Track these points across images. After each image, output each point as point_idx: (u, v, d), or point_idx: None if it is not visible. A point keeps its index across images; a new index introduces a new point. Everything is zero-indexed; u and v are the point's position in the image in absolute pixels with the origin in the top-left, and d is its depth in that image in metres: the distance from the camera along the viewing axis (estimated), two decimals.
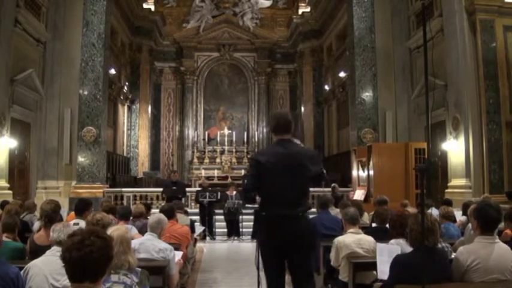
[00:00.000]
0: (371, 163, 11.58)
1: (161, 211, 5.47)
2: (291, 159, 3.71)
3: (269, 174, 3.67)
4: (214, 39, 23.99)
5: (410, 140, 13.58)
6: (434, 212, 7.10)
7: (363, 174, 12.33)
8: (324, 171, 3.89)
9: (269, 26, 24.91)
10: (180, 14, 24.58)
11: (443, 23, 12.66)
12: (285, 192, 3.68)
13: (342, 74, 18.19)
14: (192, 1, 24.23)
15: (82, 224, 4.61)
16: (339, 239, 4.54)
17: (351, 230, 4.61)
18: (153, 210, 13.01)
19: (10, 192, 11.75)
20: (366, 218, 7.57)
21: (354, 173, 13.15)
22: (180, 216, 6.27)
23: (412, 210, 6.03)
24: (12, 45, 12.01)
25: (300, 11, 22.70)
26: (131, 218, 5.98)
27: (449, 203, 7.87)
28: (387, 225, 5.31)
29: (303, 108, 22.66)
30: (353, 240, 4.48)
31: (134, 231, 5.22)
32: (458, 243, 4.79)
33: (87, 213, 5.18)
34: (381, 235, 5.02)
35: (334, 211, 6.92)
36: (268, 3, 24.61)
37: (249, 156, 22.85)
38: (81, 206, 5.30)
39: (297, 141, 4.00)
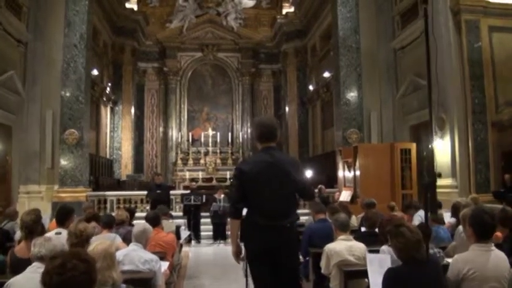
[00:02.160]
0: (357, 164, 11.53)
1: (146, 219, 5.32)
2: (276, 168, 3.58)
3: (254, 184, 3.55)
4: (197, 39, 23.79)
5: (395, 141, 13.58)
6: (422, 214, 7.07)
7: (349, 175, 12.28)
8: (307, 184, 3.84)
9: (253, 26, 24.79)
10: (163, 13, 24.33)
11: (427, 23, 12.64)
12: (272, 202, 3.56)
13: (326, 74, 18.15)
14: (175, 1, 23.97)
15: (64, 233, 4.44)
16: (329, 247, 4.43)
17: (342, 237, 4.50)
18: (137, 214, 12.89)
19: None
20: (354, 220, 7.49)
21: (340, 173, 13.10)
22: (165, 222, 6.13)
23: (399, 214, 5.95)
24: None
25: (284, 11, 22.65)
26: (115, 225, 5.82)
27: (438, 205, 7.82)
28: (376, 230, 5.23)
29: (287, 109, 22.59)
30: (344, 247, 4.38)
31: (118, 239, 5.07)
32: (451, 248, 4.73)
33: (69, 221, 5.01)
34: (371, 240, 4.94)
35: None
36: (251, 3, 24.47)
37: (233, 157, 22.78)
38: (62, 215, 5.12)
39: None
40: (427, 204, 3.22)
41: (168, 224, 6.26)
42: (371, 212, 5.30)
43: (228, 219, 3.87)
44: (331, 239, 4.74)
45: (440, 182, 12.06)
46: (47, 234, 4.97)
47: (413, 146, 11.66)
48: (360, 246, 4.42)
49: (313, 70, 21.32)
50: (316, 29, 20.15)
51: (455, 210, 6.89)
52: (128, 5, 21.10)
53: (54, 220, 6.26)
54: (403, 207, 8.35)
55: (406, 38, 13.99)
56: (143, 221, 5.46)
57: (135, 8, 21.81)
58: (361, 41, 14.43)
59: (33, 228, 3.84)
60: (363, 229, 5.81)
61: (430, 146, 4.43)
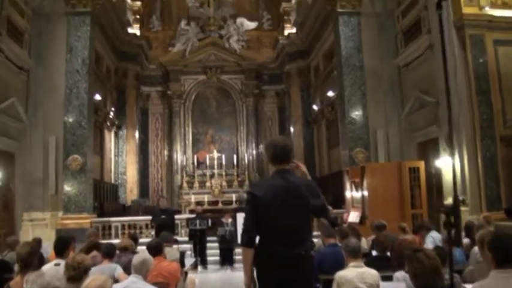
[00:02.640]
0: (364, 184, 11.31)
1: (148, 248, 5.13)
2: (291, 193, 3.35)
3: (267, 209, 3.32)
4: (200, 62, 23.77)
5: (403, 159, 13.38)
6: (435, 235, 6.84)
7: (357, 195, 12.05)
8: (327, 205, 3.59)
9: (255, 48, 24.78)
10: (166, 37, 24.40)
11: (431, 39, 12.56)
12: (287, 229, 3.33)
13: (330, 94, 18.01)
14: (177, 25, 24.11)
15: (63, 264, 4.26)
16: (340, 274, 4.20)
17: (353, 264, 4.26)
18: (142, 240, 12.67)
19: None
20: (364, 243, 7.25)
21: (347, 194, 12.87)
22: (168, 250, 5.93)
23: (410, 236, 5.72)
24: None
25: (286, 32, 22.61)
26: (117, 252, 5.64)
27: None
28: (388, 253, 5.02)
29: (292, 129, 22.42)
30: (355, 274, 4.15)
31: (119, 270, 4.88)
32: (468, 272, 4.49)
33: (68, 251, 4.84)
34: (383, 265, 4.73)
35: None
36: (253, 25, 24.52)
37: (239, 179, 22.56)
38: (60, 245, 4.94)
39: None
40: (450, 235, 3.00)
41: (172, 252, 6.06)
42: (382, 235, 5.08)
43: (242, 248, 3.55)
44: (341, 265, 4.52)
45: (450, 200, 11.84)
46: (46, 266, 4.81)
47: (421, 164, 11.45)
48: (372, 273, 4.19)
49: (317, 90, 21.21)
50: (318, 48, 20.08)
51: (468, 230, 6.66)
52: (130, 30, 21.12)
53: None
54: (413, 227, 8.12)
55: (410, 55, 13.88)
56: (145, 249, 5.29)
57: (138, 32, 21.85)
58: (364, 59, 14.38)
59: (29, 261, 3.66)
60: (374, 253, 5.59)
61: (451, 166, 4.15)
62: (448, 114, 3.32)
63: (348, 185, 12.81)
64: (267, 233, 3.36)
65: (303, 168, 3.62)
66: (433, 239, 6.58)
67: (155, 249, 5.06)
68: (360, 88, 14.18)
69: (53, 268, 4.62)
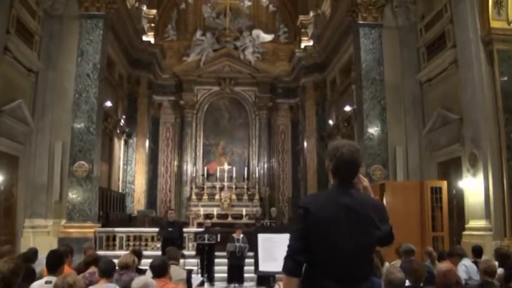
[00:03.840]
0: (384, 202, 10.70)
1: (151, 268, 4.58)
2: (355, 214, 2.58)
3: (323, 231, 2.56)
4: (214, 73, 23.45)
5: (422, 178, 12.77)
6: (467, 263, 6.22)
7: None
8: (391, 232, 2.74)
9: (270, 61, 24.43)
10: (181, 47, 24.12)
11: (457, 54, 12.00)
12: (346, 259, 2.56)
13: (347, 108, 17.46)
14: (192, 35, 23.83)
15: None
16: None
17: None
18: (148, 252, 12.13)
19: None
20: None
21: None
22: (174, 268, 5.37)
23: (447, 264, 5.11)
24: (1, 73, 11.29)
25: (302, 45, 22.18)
26: (118, 269, 5.10)
27: (479, 251, 6.97)
28: (422, 284, 4.42)
29: (305, 144, 21.87)
30: None
31: None
32: None
33: (61, 268, 4.31)
34: None
35: None
36: (269, 38, 24.22)
37: (249, 192, 22.00)
38: (53, 261, 4.40)
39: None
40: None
41: (178, 271, 5.49)
42: (416, 263, 4.47)
43: (283, 277, 2.65)
44: None
45: (472, 223, 11.20)
46: (36, 283, 4.28)
47: (444, 184, 10.82)
48: None
49: (332, 104, 20.69)
50: (336, 62, 19.60)
51: (502, 259, 6.03)
52: (144, 38, 20.82)
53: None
54: (437, 252, 7.48)
55: (432, 70, 13.32)
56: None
57: (152, 41, 21.54)
58: (385, 73, 13.88)
59: (11, 280, 3.13)
60: (407, 283, 4.97)
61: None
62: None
63: None
64: (319, 262, 2.60)
65: (365, 182, 2.83)
66: (465, 267, 5.96)
67: (159, 270, 4.50)
68: (379, 102, 13.64)
69: (43, 286, 4.10)
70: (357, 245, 2.55)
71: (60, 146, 13.22)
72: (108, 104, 16.46)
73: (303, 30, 22.83)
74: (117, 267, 5.06)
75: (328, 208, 2.58)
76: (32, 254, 5.62)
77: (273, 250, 4.13)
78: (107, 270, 4.54)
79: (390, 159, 13.59)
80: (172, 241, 10.20)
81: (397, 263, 6.10)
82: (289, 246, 2.61)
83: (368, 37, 14.12)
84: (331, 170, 2.71)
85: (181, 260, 10.78)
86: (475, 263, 6.12)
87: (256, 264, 4.71)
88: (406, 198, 10.53)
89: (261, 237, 4.16)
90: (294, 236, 2.62)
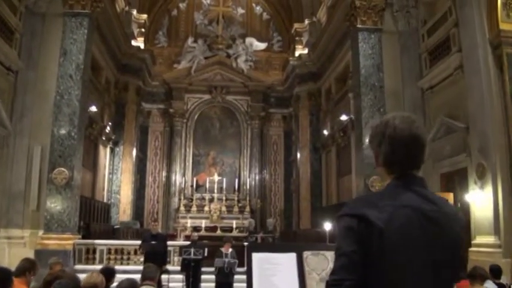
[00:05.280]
0: None
1: None
2: (439, 228, 1.59)
3: (392, 252, 1.53)
4: (206, 81, 22.77)
5: None
6: (490, 286, 5.44)
7: None
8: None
9: (263, 69, 23.86)
10: (171, 54, 23.48)
11: (462, 58, 11.34)
12: None
13: (343, 118, 16.76)
14: (183, 41, 23.18)
15: None
16: None
17: None
18: (130, 267, 11.25)
19: None
20: None
21: None
22: None
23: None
24: None
25: (297, 53, 21.55)
26: None
27: (498, 271, 6.21)
28: None
29: (298, 155, 21.12)
30: None
31: None
32: None
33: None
34: None
35: None
36: (263, 46, 23.65)
37: (239, 204, 21.17)
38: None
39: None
40: None
41: None
42: None
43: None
44: None
45: (479, 239, 10.45)
46: None
47: (450, 197, 10.12)
48: None
49: (327, 114, 20.01)
50: (331, 71, 18.98)
51: None
52: (134, 43, 20.08)
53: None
54: None
55: (436, 76, 12.65)
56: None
57: (142, 46, 20.80)
58: (385, 79, 13.19)
59: None
60: None
61: None
62: None
63: None
64: None
65: None
66: None
67: None
68: (378, 110, 12.94)
69: None
70: (441, 272, 1.56)
71: (39, 150, 12.35)
72: (93, 109, 15.67)
73: (297, 38, 22.22)
74: None
75: (398, 217, 1.56)
76: None
77: (272, 276, 2.76)
78: None
79: None
80: (155, 255, 9.37)
81: None
82: (334, 273, 1.57)
83: (367, 42, 13.48)
84: (383, 159, 1.72)
85: (165, 276, 9.96)
86: (500, 286, 5.34)
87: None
88: None
89: (256, 257, 2.84)
90: (342, 265, 1.56)
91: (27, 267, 4.42)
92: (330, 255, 2.61)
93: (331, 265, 1.79)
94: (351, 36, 14.51)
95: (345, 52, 16.28)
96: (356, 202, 1.68)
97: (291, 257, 2.75)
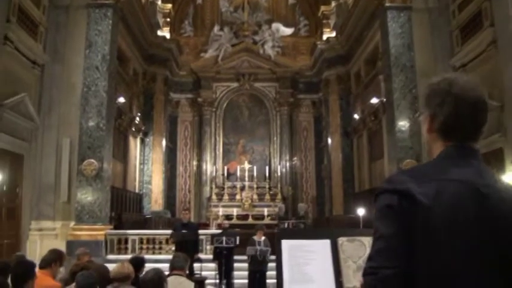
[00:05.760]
0: None
1: (143, 284, 3.65)
2: (498, 212, 1.32)
3: (439, 234, 1.30)
4: (233, 69, 22.57)
5: None
6: None
7: None
8: None
9: (291, 55, 23.48)
10: (198, 43, 23.34)
11: (495, 33, 10.82)
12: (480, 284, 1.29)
13: (374, 101, 16.34)
14: (210, 30, 23.02)
15: None
16: None
17: None
18: (162, 256, 11.24)
19: None
20: None
21: None
22: (179, 281, 4.39)
23: None
24: (0, 64, 10.52)
25: (325, 37, 21.13)
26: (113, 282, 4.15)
27: None
28: None
29: (329, 140, 20.79)
30: None
31: None
32: None
33: (27, 285, 3.40)
34: None
35: None
36: (289, 31, 23.23)
37: (271, 192, 21.01)
38: (19, 276, 3.48)
39: None
40: None
41: (183, 284, 4.50)
42: None
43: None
44: None
45: None
46: None
47: None
48: None
49: (357, 98, 19.59)
50: (360, 53, 18.53)
51: None
52: (160, 33, 20.02)
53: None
54: None
55: (468, 54, 12.14)
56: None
57: (168, 36, 20.74)
58: (416, 58, 12.74)
59: None
60: None
61: None
62: None
63: None
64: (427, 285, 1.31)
65: None
66: None
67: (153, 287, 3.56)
68: (410, 91, 12.54)
69: None
70: (499, 261, 1.29)
71: (68, 143, 12.43)
72: (122, 100, 15.69)
73: (324, 21, 21.80)
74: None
75: (446, 193, 1.33)
76: (4, 264, 4.55)
77: (304, 265, 2.50)
78: (86, 286, 3.57)
79: (424, 153, 12.47)
80: (186, 245, 9.28)
81: None
82: (371, 259, 1.35)
83: (396, 21, 13.05)
84: (442, 122, 1.47)
85: (198, 265, 9.88)
86: None
87: (279, 286, 2.89)
88: None
89: (287, 245, 2.57)
90: (379, 249, 1.33)
91: (52, 259, 4.36)
92: (368, 240, 2.39)
93: (368, 251, 1.54)
94: (379, 16, 14.08)
95: (374, 33, 15.81)
96: (398, 175, 1.45)
97: (324, 244, 2.52)
